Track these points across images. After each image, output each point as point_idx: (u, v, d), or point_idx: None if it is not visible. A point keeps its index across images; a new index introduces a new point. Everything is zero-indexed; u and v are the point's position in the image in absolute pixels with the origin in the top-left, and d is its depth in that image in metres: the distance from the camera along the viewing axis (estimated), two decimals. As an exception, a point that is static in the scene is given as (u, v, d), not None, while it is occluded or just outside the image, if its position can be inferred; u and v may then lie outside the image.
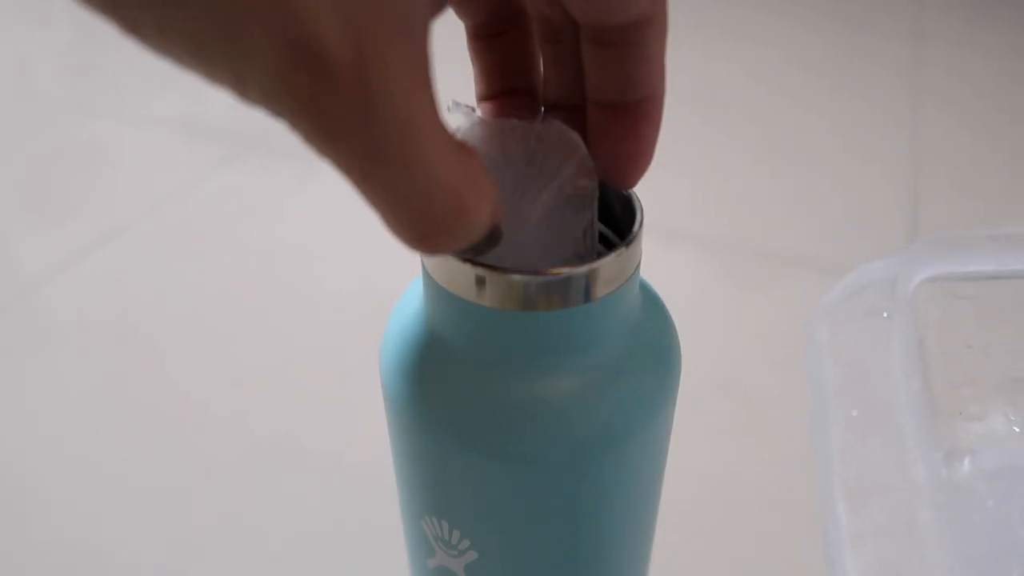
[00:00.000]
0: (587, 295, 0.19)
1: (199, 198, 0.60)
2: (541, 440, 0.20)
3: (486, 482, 0.21)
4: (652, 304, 0.22)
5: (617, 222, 0.21)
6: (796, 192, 0.60)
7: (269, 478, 0.38)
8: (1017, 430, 0.29)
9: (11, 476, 0.39)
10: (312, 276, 0.52)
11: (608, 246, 0.22)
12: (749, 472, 0.39)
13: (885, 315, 0.29)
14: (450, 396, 0.20)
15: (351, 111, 0.13)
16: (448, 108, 0.19)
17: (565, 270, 0.18)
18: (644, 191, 0.21)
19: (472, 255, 0.18)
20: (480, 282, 0.19)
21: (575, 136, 0.20)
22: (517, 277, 0.18)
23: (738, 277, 0.52)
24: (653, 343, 0.21)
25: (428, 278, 0.20)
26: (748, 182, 0.61)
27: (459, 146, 0.15)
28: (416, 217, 0.15)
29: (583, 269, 0.18)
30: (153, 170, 0.63)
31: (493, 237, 0.17)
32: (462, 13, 0.21)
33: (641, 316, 0.21)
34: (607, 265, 0.19)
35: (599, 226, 0.22)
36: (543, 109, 0.22)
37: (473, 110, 0.21)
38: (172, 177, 0.62)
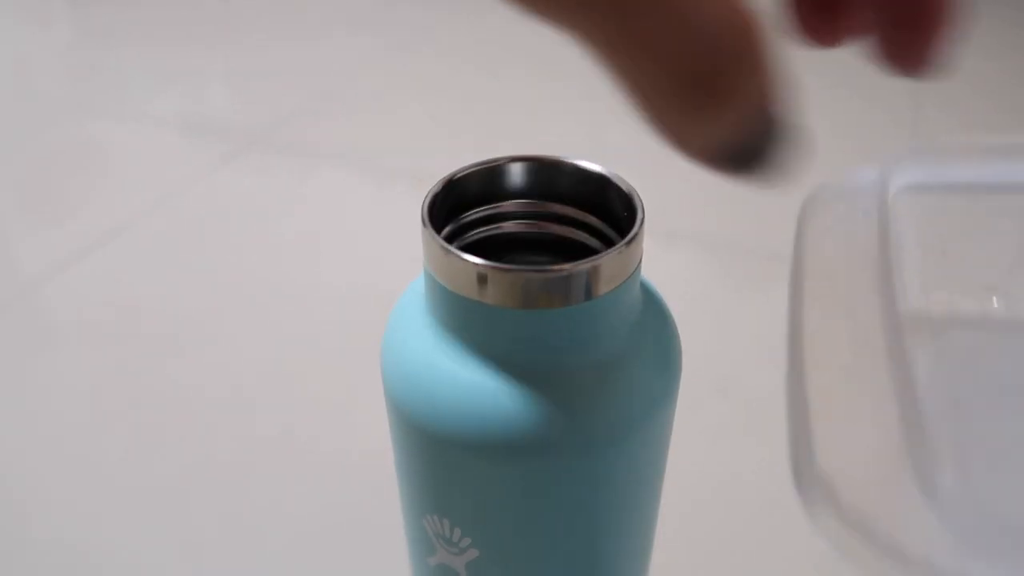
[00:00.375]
0: (588, 293, 0.19)
1: (200, 196, 0.60)
2: (541, 439, 0.20)
3: (486, 480, 0.21)
4: (653, 303, 0.22)
5: (618, 220, 0.21)
6: (796, 191, 0.60)
7: (269, 477, 0.38)
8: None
9: (11, 476, 0.39)
10: (313, 274, 0.52)
11: (609, 244, 0.22)
12: (749, 472, 0.39)
13: (862, 218, 0.29)
14: (450, 394, 0.20)
15: None
16: None
17: (566, 267, 0.18)
18: (644, 191, 0.21)
19: (749, 158, 0.13)
20: (481, 280, 0.19)
21: None
22: (518, 274, 0.18)
23: (738, 277, 0.52)
24: (654, 342, 0.21)
25: (429, 276, 0.20)
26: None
27: None
28: (691, 61, 0.12)
29: (584, 266, 0.19)
30: (153, 168, 0.63)
31: (772, 121, 0.13)
32: None
33: (642, 315, 0.21)
34: (608, 262, 0.19)
35: (600, 225, 0.22)
36: None
37: None
38: (172, 175, 0.62)
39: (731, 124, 0.12)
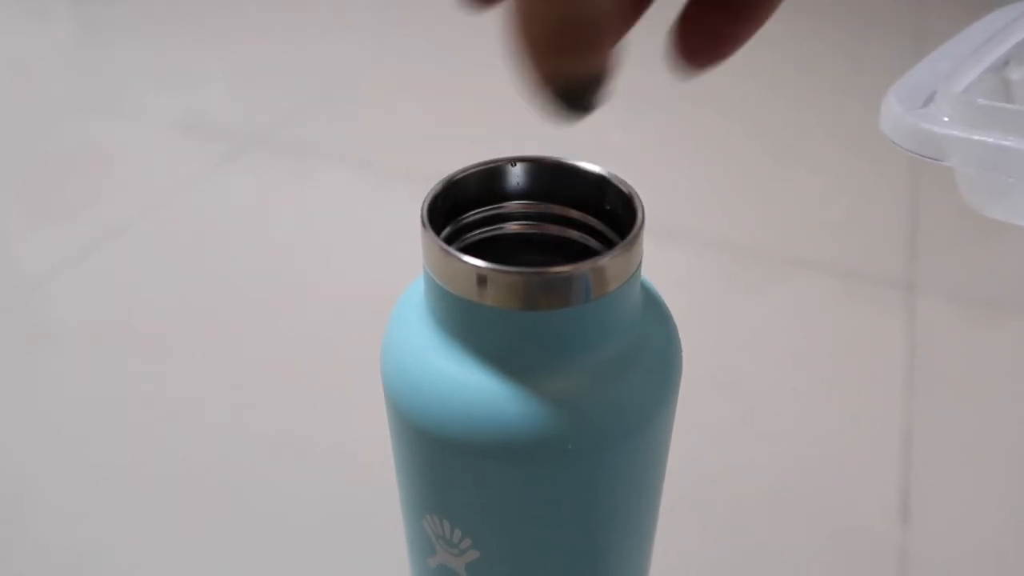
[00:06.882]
0: (588, 294, 0.19)
1: (199, 196, 0.60)
2: (541, 440, 0.20)
3: (486, 482, 0.20)
4: (653, 304, 0.22)
5: (618, 221, 0.21)
6: (796, 192, 0.60)
7: (269, 477, 0.38)
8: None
9: (11, 476, 0.39)
10: (313, 274, 0.52)
11: (609, 245, 0.22)
12: (749, 472, 0.39)
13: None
14: (450, 396, 0.20)
15: None
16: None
17: (567, 268, 0.18)
18: (644, 191, 0.21)
19: (580, 100, 0.16)
20: (481, 281, 0.19)
21: None
22: (518, 276, 0.18)
23: (738, 277, 0.52)
24: (654, 343, 0.21)
25: (429, 277, 0.20)
26: (748, 182, 0.61)
27: None
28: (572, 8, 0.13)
29: (585, 268, 0.18)
30: (153, 168, 0.63)
31: (602, 73, 0.15)
32: None
33: (642, 316, 0.21)
34: (609, 264, 0.19)
35: (600, 226, 0.22)
36: None
37: None
38: (172, 175, 0.62)
39: (589, 66, 0.15)
